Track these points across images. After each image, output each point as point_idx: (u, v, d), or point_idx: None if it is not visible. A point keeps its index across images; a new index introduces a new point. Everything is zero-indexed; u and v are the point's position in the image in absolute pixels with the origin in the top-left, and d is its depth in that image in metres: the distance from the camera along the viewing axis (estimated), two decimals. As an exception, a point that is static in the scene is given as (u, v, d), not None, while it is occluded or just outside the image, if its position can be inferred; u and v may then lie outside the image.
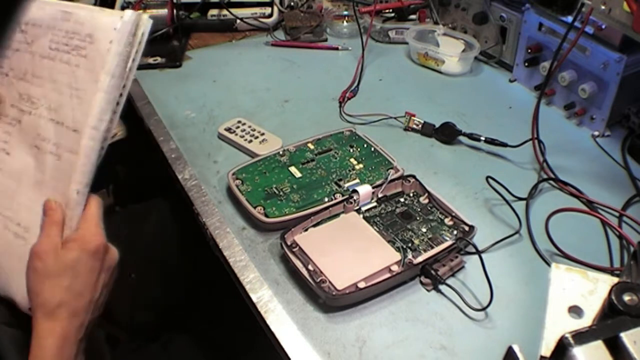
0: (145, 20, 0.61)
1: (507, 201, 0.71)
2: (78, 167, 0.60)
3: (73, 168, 0.60)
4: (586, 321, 0.46)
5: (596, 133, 0.85)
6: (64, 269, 0.56)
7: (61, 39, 0.63)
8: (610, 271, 0.63)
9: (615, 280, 0.47)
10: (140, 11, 0.61)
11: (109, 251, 0.60)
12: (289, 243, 0.64)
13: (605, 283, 0.48)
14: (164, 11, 1.09)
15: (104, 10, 0.62)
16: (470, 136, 0.83)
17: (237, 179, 0.73)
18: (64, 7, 0.63)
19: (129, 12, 0.60)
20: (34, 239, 0.59)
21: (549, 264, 0.64)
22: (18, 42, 0.65)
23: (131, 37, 0.60)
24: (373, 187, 0.71)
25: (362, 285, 0.60)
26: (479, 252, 0.63)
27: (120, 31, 0.60)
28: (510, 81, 0.99)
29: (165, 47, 1.08)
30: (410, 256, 0.63)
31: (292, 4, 1.18)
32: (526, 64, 0.94)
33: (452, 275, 0.63)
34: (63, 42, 0.62)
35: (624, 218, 0.70)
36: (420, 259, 0.62)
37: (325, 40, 1.13)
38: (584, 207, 0.72)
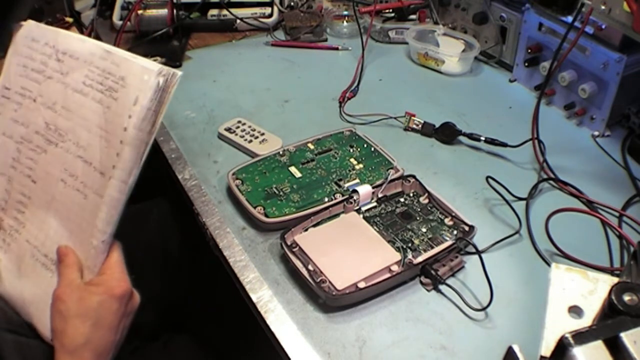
0: (177, 77, 0.60)
1: (507, 201, 0.71)
2: (104, 216, 0.60)
3: (98, 211, 0.60)
4: (586, 321, 0.46)
5: (596, 133, 0.85)
6: (87, 311, 0.56)
7: (96, 76, 0.61)
8: (610, 271, 0.63)
9: (615, 280, 0.47)
10: (175, 70, 0.60)
11: (133, 296, 0.63)
12: (289, 243, 0.64)
13: (605, 283, 0.48)
14: (164, 11, 1.09)
15: (141, 58, 0.60)
16: (470, 136, 0.83)
17: (237, 179, 0.73)
18: (105, 46, 0.62)
19: (161, 68, 0.59)
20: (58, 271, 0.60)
21: (549, 264, 0.64)
22: (52, 69, 0.64)
23: (159, 92, 0.59)
24: (373, 187, 0.71)
25: (362, 285, 0.60)
26: (479, 252, 0.63)
27: (149, 83, 0.59)
28: (510, 81, 0.99)
29: (165, 47, 1.08)
30: (410, 256, 0.63)
31: (292, 4, 1.18)
32: (526, 64, 0.94)
33: (452, 275, 0.63)
34: (98, 81, 0.61)
35: (624, 218, 0.70)
36: (420, 259, 0.62)
37: (325, 40, 1.13)
38: (584, 207, 0.72)
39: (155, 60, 1.06)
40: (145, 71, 0.59)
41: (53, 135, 0.63)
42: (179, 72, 0.60)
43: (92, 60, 0.62)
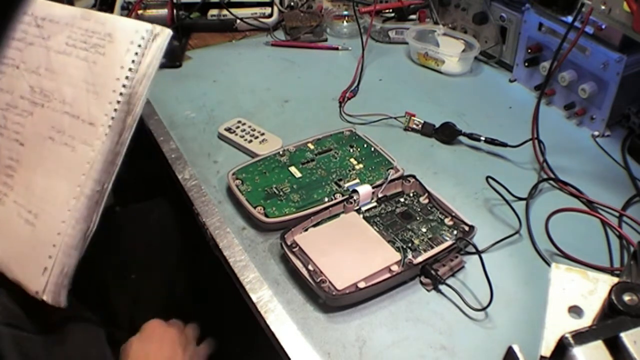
0: (168, 34, 0.64)
1: (507, 201, 0.71)
2: (98, 165, 0.62)
3: (92, 160, 0.62)
4: (586, 321, 0.46)
5: (596, 133, 0.85)
6: None
7: (79, 36, 0.64)
8: (610, 271, 0.63)
9: (615, 280, 0.47)
10: (164, 28, 0.65)
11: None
12: (289, 243, 0.64)
13: (605, 283, 0.48)
14: (164, 11, 1.09)
15: (125, 17, 0.65)
16: (470, 136, 0.83)
17: (237, 179, 0.73)
18: (86, 10, 0.66)
19: (151, 25, 0.64)
20: (41, 225, 0.62)
21: (549, 264, 0.64)
22: (33, 35, 0.66)
23: (148, 43, 0.64)
24: (373, 187, 0.71)
25: (362, 285, 0.60)
26: (479, 252, 0.63)
27: (140, 34, 0.63)
28: (510, 81, 0.99)
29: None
30: (410, 256, 0.63)
31: (292, 4, 1.18)
32: (526, 64, 0.94)
33: (452, 275, 0.63)
34: (81, 40, 0.64)
35: (624, 218, 0.70)
36: (420, 259, 0.62)
37: (325, 40, 1.13)
38: (584, 207, 0.72)
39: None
40: (135, 25, 0.64)
41: (38, 97, 0.65)
42: (169, 30, 0.64)
43: (74, 23, 0.65)
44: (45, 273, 0.62)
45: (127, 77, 0.63)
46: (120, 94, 0.63)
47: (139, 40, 0.63)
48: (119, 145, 0.63)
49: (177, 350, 0.73)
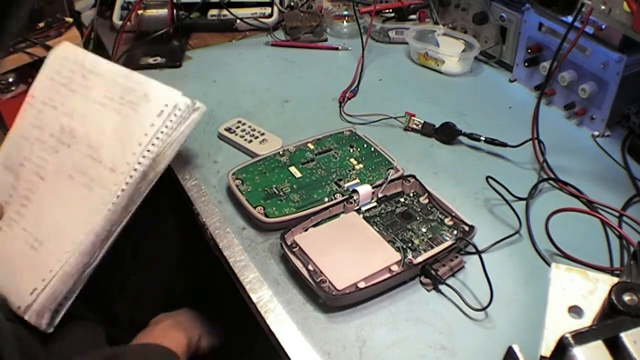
0: (201, 111, 0.69)
1: (507, 201, 0.71)
2: (112, 208, 0.66)
3: (103, 203, 0.66)
4: (586, 321, 0.46)
5: (596, 133, 0.85)
6: None
7: (118, 91, 0.70)
8: (610, 271, 0.63)
9: (615, 280, 0.48)
10: (200, 103, 0.70)
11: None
12: (289, 243, 0.64)
13: (605, 283, 0.48)
14: (164, 11, 1.09)
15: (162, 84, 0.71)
16: (470, 136, 0.83)
17: (237, 179, 0.73)
18: (129, 70, 0.72)
19: (190, 99, 0.69)
20: (44, 251, 0.66)
21: (549, 264, 0.64)
22: (77, 84, 0.72)
23: (182, 112, 0.68)
24: (373, 187, 0.71)
25: (362, 285, 0.60)
26: (479, 252, 0.63)
27: (174, 100, 0.67)
28: (510, 81, 0.99)
29: (165, 47, 1.08)
30: (410, 256, 0.63)
31: (292, 4, 1.18)
32: (526, 64, 0.94)
33: (452, 275, 0.63)
34: (119, 95, 0.69)
35: (624, 218, 0.70)
36: (420, 259, 0.62)
37: (325, 40, 1.13)
38: (584, 207, 0.72)
39: (155, 61, 1.08)
40: (170, 92, 0.69)
41: (66, 137, 0.70)
42: (204, 106, 0.69)
43: (116, 80, 0.71)
44: (33, 293, 0.65)
45: (157, 138, 0.67)
46: (148, 150, 0.66)
47: (174, 109, 0.68)
48: (136, 194, 0.66)
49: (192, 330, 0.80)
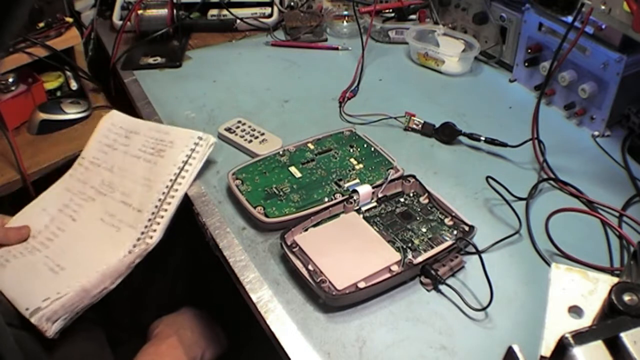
0: (212, 141, 0.77)
1: (507, 201, 0.71)
2: (140, 246, 0.71)
3: (130, 240, 0.71)
4: (586, 321, 0.46)
5: (596, 133, 0.85)
6: None
7: (150, 143, 0.79)
8: (610, 271, 0.63)
9: (615, 280, 0.48)
10: (211, 137, 0.79)
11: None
12: (289, 243, 0.64)
13: (605, 283, 0.48)
14: (164, 11, 1.09)
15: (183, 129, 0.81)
16: (470, 136, 0.83)
17: (237, 179, 0.73)
18: (156, 124, 0.83)
19: (202, 134, 0.78)
20: (64, 274, 0.69)
21: (549, 264, 0.64)
22: (120, 144, 0.81)
23: (199, 147, 0.77)
24: (373, 187, 0.71)
25: (362, 285, 0.60)
26: (479, 252, 0.63)
27: (192, 140, 0.77)
28: (510, 81, 0.99)
29: (165, 47, 1.08)
30: (410, 256, 0.63)
31: (292, 4, 1.18)
32: (526, 64, 0.94)
33: (452, 275, 0.63)
34: (151, 146, 0.79)
35: (624, 218, 0.70)
36: (420, 259, 0.62)
37: (325, 40, 1.13)
38: (584, 207, 0.72)
39: (155, 61, 1.08)
40: (189, 134, 0.78)
41: (105, 189, 0.78)
42: (213, 139, 0.78)
43: (148, 134, 0.80)
44: (46, 301, 0.66)
45: (176, 174, 0.74)
46: (168, 187, 0.74)
47: (192, 145, 0.76)
48: (161, 233, 0.71)
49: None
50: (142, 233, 0.71)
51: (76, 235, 0.74)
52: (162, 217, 0.72)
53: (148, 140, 0.79)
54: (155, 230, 0.71)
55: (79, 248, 0.73)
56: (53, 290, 0.66)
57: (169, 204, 0.72)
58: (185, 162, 0.75)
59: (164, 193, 0.73)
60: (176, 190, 0.73)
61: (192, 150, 0.76)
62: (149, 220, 0.72)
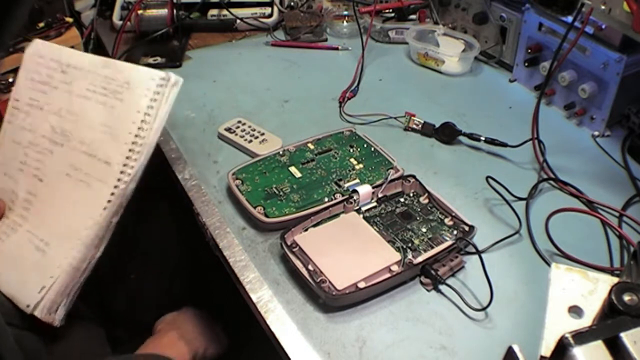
0: (180, 81, 0.70)
1: (507, 201, 0.71)
2: (113, 200, 0.67)
3: (102, 196, 0.67)
4: (586, 321, 0.46)
5: (596, 133, 0.85)
6: None
7: (99, 82, 0.70)
8: (610, 271, 0.63)
9: (615, 280, 0.48)
10: (172, 75, 0.71)
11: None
12: (289, 243, 0.64)
13: (605, 283, 0.48)
14: (164, 11, 1.09)
15: (141, 66, 0.71)
16: (470, 136, 0.83)
17: (237, 179, 0.73)
18: (104, 58, 0.72)
19: (164, 72, 0.70)
20: (51, 252, 0.67)
21: (549, 264, 0.64)
22: (58, 80, 0.72)
23: (161, 89, 0.69)
24: (373, 187, 0.71)
25: (362, 285, 0.60)
26: (479, 252, 0.63)
27: (154, 82, 0.69)
28: (510, 81, 0.99)
29: (165, 47, 1.08)
30: (410, 256, 0.63)
31: (292, 4, 1.18)
32: (526, 64, 0.94)
33: (452, 275, 0.63)
34: (101, 86, 0.70)
35: (624, 218, 0.70)
36: (420, 259, 0.62)
37: (325, 40, 1.13)
38: (584, 207, 0.72)
39: (155, 61, 1.08)
40: (149, 74, 0.69)
41: (58, 137, 0.70)
42: (176, 77, 0.69)
43: (95, 70, 0.71)
44: (42, 290, 0.65)
45: (142, 121, 0.68)
46: (136, 135, 0.67)
47: (154, 87, 0.68)
48: (134, 183, 0.67)
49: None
50: (115, 187, 0.67)
51: (49, 199, 0.70)
52: (132, 167, 0.67)
53: (95, 77, 0.71)
54: (126, 182, 0.67)
55: (55, 214, 0.69)
56: (46, 276, 0.66)
57: (139, 153, 0.67)
58: (150, 107, 0.68)
59: (133, 143, 0.67)
60: (144, 138, 0.68)
61: (156, 93, 0.69)
62: (121, 172, 0.67)
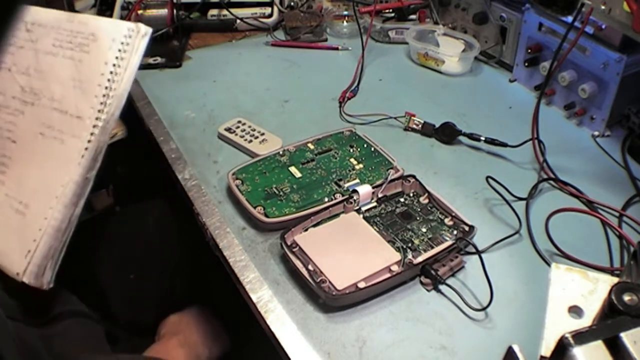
0: (148, 35, 0.69)
1: (507, 201, 0.71)
2: (88, 154, 0.66)
3: (77, 151, 0.66)
4: (586, 321, 0.46)
5: (596, 133, 0.85)
6: None
7: (65, 37, 0.70)
8: (610, 271, 0.63)
9: (615, 280, 0.48)
10: (141, 26, 0.70)
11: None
12: (289, 243, 0.64)
13: (605, 283, 0.48)
14: (164, 11, 1.09)
15: (106, 18, 0.71)
16: (470, 136, 0.83)
17: (237, 179, 0.73)
18: (69, 13, 0.72)
19: (134, 23, 0.69)
20: (31, 214, 0.66)
21: (549, 264, 0.64)
22: (23, 40, 0.71)
23: (130, 39, 0.68)
24: (373, 187, 0.71)
25: (362, 285, 0.60)
26: (479, 252, 0.63)
27: (121, 32, 0.68)
28: (510, 81, 0.99)
29: (165, 47, 1.08)
30: (410, 256, 0.63)
31: (292, 4, 1.18)
32: (526, 64, 0.94)
33: (452, 275, 0.63)
34: (67, 40, 0.69)
35: (624, 218, 0.70)
36: (420, 259, 0.62)
37: (325, 40, 1.13)
38: (584, 207, 0.72)
39: (155, 60, 1.08)
40: (115, 24, 0.69)
41: (29, 97, 0.70)
42: (145, 27, 0.69)
43: (59, 25, 0.70)
44: (27, 255, 0.64)
45: (111, 72, 0.67)
46: (106, 87, 0.67)
47: (122, 38, 0.68)
48: (106, 134, 0.66)
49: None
50: (88, 141, 0.66)
51: (25, 160, 0.69)
52: (104, 120, 0.66)
53: (60, 32, 0.70)
54: (98, 135, 0.66)
55: (32, 174, 0.68)
56: (29, 239, 0.65)
57: (110, 105, 0.66)
58: (119, 58, 0.68)
59: (104, 96, 0.67)
60: (114, 90, 0.67)
61: (124, 44, 0.68)
62: (94, 126, 0.66)
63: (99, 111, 0.66)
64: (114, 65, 0.68)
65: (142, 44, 0.69)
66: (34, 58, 0.71)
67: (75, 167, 0.66)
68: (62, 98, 0.68)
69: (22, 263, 0.65)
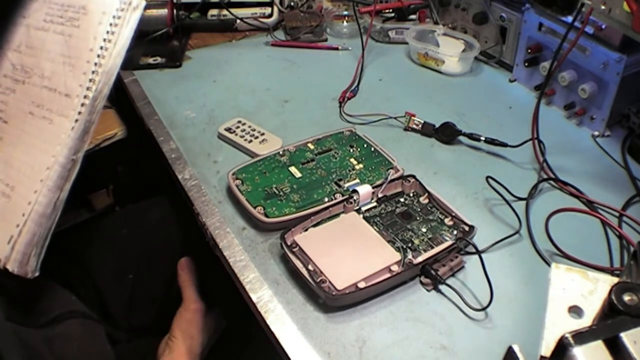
0: (141, 7, 0.65)
1: (507, 201, 0.71)
2: (74, 134, 0.63)
3: (63, 131, 0.63)
4: (586, 321, 0.46)
5: (596, 133, 0.85)
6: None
7: (56, 11, 0.67)
8: (610, 271, 0.63)
9: (615, 280, 0.47)
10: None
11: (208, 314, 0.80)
12: (289, 243, 0.64)
13: (605, 283, 0.48)
14: (164, 11, 1.09)
15: None
16: (470, 136, 0.83)
17: (237, 179, 0.73)
18: None
19: None
20: (16, 196, 0.63)
21: (549, 264, 0.64)
22: (15, 15, 0.69)
23: (122, 12, 0.64)
24: (373, 187, 0.71)
25: (362, 285, 0.60)
26: (479, 252, 0.63)
27: (112, 6, 0.64)
28: (510, 81, 0.99)
29: (165, 47, 1.08)
30: (410, 256, 0.63)
31: (292, 4, 1.18)
32: (526, 64, 0.94)
33: (452, 275, 0.63)
34: (58, 15, 0.67)
35: (624, 218, 0.70)
36: (420, 259, 0.62)
37: (325, 40, 1.13)
38: (584, 207, 0.72)
39: (155, 60, 1.08)
40: None
41: (20, 74, 0.68)
42: (143, 2, 0.66)
43: None
44: (10, 241, 0.62)
45: (101, 47, 0.63)
46: (95, 64, 0.63)
47: (113, 11, 0.64)
48: (94, 114, 0.64)
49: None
50: (76, 120, 0.63)
51: (14, 141, 0.67)
52: (92, 98, 0.63)
53: (51, 6, 0.68)
54: (84, 114, 0.63)
55: (20, 156, 0.66)
56: (12, 224, 0.62)
57: (98, 82, 0.63)
58: (110, 32, 0.64)
59: (93, 72, 0.64)
60: (103, 66, 0.64)
61: (116, 17, 0.65)
62: (82, 105, 0.63)
63: (87, 89, 0.63)
64: (104, 40, 0.64)
65: (133, 17, 0.65)
66: (25, 34, 0.68)
67: (61, 148, 0.63)
68: (51, 75, 0.66)
69: (4, 249, 0.62)
